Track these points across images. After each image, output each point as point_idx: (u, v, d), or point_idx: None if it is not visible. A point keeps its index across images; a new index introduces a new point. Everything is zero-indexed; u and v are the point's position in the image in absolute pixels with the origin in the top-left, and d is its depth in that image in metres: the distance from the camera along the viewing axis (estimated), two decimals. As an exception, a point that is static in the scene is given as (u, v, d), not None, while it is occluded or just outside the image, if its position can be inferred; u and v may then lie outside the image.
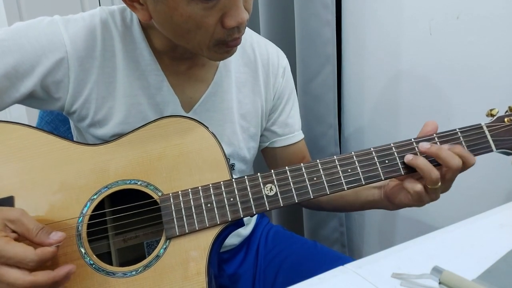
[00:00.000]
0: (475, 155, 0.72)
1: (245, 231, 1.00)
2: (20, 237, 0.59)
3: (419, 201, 0.73)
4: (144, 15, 0.69)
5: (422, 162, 0.70)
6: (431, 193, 0.72)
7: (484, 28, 0.93)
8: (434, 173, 0.69)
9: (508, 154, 0.74)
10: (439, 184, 0.70)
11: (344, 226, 1.38)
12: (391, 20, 1.13)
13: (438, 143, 0.72)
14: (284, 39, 1.36)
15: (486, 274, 0.58)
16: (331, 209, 1.02)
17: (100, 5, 2.22)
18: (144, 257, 0.67)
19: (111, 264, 0.70)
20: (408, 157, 0.71)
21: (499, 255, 0.62)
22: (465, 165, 0.70)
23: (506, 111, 0.75)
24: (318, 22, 1.22)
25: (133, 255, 0.79)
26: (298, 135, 0.98)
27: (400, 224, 1.26)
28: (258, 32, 1.39)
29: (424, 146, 0.71)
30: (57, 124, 1.03)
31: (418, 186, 0.71)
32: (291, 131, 0.97)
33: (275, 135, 0.96)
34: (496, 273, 0.58)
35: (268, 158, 1.01)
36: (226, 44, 0.71)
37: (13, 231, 0.59)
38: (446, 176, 0.71)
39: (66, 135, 1.00)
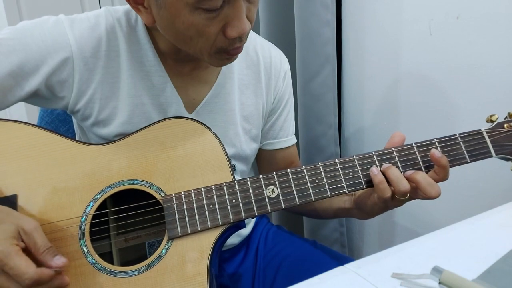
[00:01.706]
0: (475, 160, 0.73)
1: (245, 231, 1.01)
2: (26, 250, 0.59)
3: (385, 205, 0.74)
4: (148, 18, 0.69)
5: (392, 173, 0.70)
6: (396, 200, 0.73)
7: (484, 28, 0.93)
8: (404, 186, 0.70)
9: (507, 159, 0.75)
10: (407, 196, 0.71)
11: (344, 226, 1.38)
12: (391, 20, 1.13)
13: (438, 148, 0.73)
14: (284, 39, 1.36)
15: (486, 274, 0.58)
16: (306, 214, 1.02)
17: (100, 5, 2.23)
18: (145, 257, 0.68)
19: (112, 264, 0.70)
20: (385, 165, 0.72)
21: (499, 255, 0.62)
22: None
23: (506, 117, 0.76)
24: (318, 22, 1.22)
25: (135, 255, 0.79)
26: (291, 140, 0.99)
27: (400, 224, 1.26)
28: (258, 32, 1.40)
29: (407, 173, 0.72)
30: (57, 124, 1.04)
31: (387, 194, 0.71)
32: (284, 135, 0.98)
33: (269, 137, 0.97)
34: (496, 273, 0.58)
35: (257, 159, 1.01)
36: (227, 52, 0.71)
37: (23, 241, 0.60)
38: (418, 197, 0.72)
39: (67, 135, 1.01)
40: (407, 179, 0.71)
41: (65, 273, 0.65)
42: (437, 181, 0.71)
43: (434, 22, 1.02)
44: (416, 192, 0.71)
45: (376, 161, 0.72)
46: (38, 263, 0.58)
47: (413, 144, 0.73)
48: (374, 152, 0.73)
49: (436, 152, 0.70)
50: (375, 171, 0.71)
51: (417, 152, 0.73)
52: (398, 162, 0.72)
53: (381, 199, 0.71)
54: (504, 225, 0.71)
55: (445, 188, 0.81)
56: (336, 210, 0.88)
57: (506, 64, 0.91)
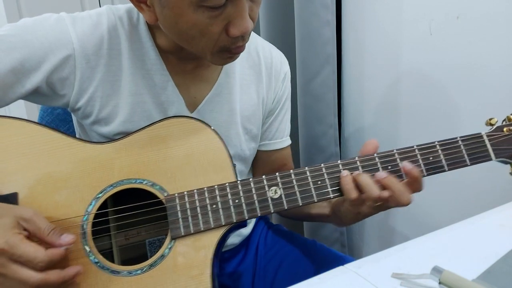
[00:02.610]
0: (475, 163, 0.73)
1: (245, 230, 1.01)
2: (31, 236, 0.60)
3: (357, 211, 0.73)
4: (150, 16, 0.69)
5: (363, 179, 0.70)
6: (368, 207, 0.72)
7: (484, 28, 0.93)
8: (375, 192, 0.69)
9: (506, 163, 0.75)
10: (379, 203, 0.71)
11: (344, 226, 1.39)
12: (391, 20, 1.13)
13: (439, 150, 0.73)
14: (284, 39, 1.36)
15: (486, 274, 0.59)
16: (300, 218, 1.02)
17: (100, 5, 2.23)
18: (145, 256, 0.68)
19: (112, 261, 0.70)
20: (355, 173, 0.71)
21: (499, 255, 0.62)
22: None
23: (504, 121, 0.76)
24: (318, 22, 1.22)
25: (135, 253, 0.79)
26: (286, 141, 0.99)
27: (400, 224, 1.26)
28: (258, 32, 1.40)
29: (381, 175, 0.71)
30: (57, 124, 1.04)
31: (353, 195, 0.70)
32: (280, 136, 0.98)
33: (264, 138, 0.97)
34: (496, 273, 0.59)
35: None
36: (229, 51, 0.71)
37: (25, 229, 0.60)
38: (390, 204, 0.71)
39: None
40: (379, 183, 0.70)
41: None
42: (410, 193, 0.71)
43: (434, 22, 1.03)
44: (387, 200, 0.70)
45: (379, 163, 0.72)
46: (47, 248, 0.59)
47: (415, 146, 0.74)
48: (377, 154, 0.73)
49: (407, 165, 0.70)
50: (344, 173, 0.71)
51: (418, 155, 0.73)
52: (399, 164, 0.73)
53: (347, 202, 0.71)
54: (504, 225, 0.71)
55: (445, 188, 0.81)
56: (313, 215, 0.88)
57: (506, 64, 0.91)
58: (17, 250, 0.57)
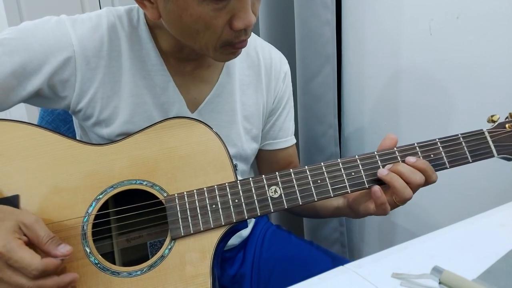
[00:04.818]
0: (477, 160, 0.73)
1: (245, 231, 1.01)
2: (29, 243, 0.60)
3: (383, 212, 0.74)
4: (153, 13, 0.69)
5: (397, 181, 0.70)
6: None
7: (484, 28, 0.94)
8: (408, 193, 0.70)
9: (509, 159, 0.75)
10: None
11: (344, 226, 1.39)
12: (391, 19, 1.13)
13: (440, 147, 0.73)
14: (284, 39, 1.36)
15: (486, 274, 0.59)
16: (305, 214, 1.01)
17: (100, 5, 2.22)
18: (147, 258, 0.68)
19: (114, 264, 0.70)
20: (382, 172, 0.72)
21: (499, 255, 0.62)
22: (427, 182, 0.71)
23: (507, 117, 0.76)
24: (318, 22, 1.23)
25: (136, 255, 0.79)
26: (290, 140, 1.00)
27: (400, 224, 1.26)
28: (258, 32, 1.40)
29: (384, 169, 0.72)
30: (58, 123, 1.04)
31: (383, 198, 0.71)
32: (284, 135, 0.98)
33: (269, 138, 0.97)
34: (496, 273, 0.59)
35: (257, 159, 1.02)
36: (232, 46, 0.71)
37: (25, 235, 0.60)
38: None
39: (67, 134, 1.01)
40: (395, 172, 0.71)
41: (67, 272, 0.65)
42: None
43: (434, 21, 1.03)
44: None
45: (379, 161, 0.72)
46: (44, 256, 0.59)
47: (415, 144, 0.74)
48: (376, 152, 0.73)
49: (410, 159, 0.71)
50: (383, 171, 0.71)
51: (419, 152, 0.73)
52: (400, 162, 0.73)
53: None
54: (504, 225, 0.71)
55: (445, 188, 0.81)
56: (330, 210, 0.88)
57: (506, 64, 0.91)
58: (14, 255, 0.56)
